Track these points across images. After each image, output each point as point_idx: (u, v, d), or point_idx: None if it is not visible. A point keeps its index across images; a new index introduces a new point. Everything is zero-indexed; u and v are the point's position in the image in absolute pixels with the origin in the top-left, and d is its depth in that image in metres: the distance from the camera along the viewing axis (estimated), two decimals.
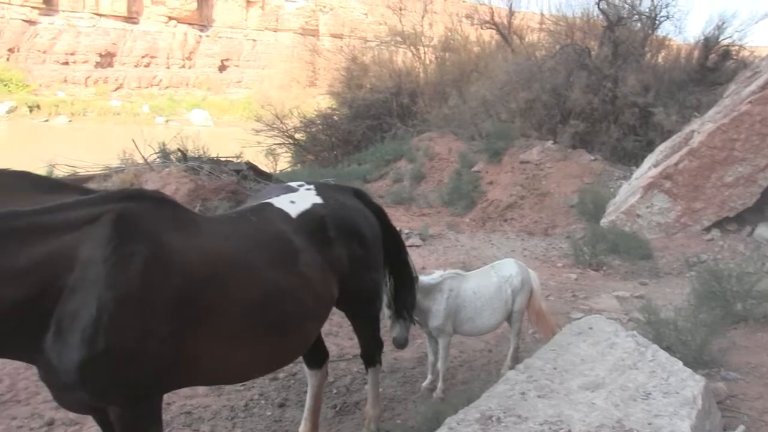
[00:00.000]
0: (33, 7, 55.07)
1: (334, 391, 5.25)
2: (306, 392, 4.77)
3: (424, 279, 4.95)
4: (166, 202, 3.18)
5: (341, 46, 28.20)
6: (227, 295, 3.05)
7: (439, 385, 5.07)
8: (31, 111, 47.45)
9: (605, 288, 8.10)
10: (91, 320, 2.60)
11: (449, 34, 24.74)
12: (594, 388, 3.51)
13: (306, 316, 3.46)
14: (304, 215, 3.62)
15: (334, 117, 22.54)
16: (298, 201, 3.71)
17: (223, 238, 3.22)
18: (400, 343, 4.68)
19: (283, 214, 3.58)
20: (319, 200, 3.77)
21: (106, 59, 57.99)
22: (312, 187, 3.94)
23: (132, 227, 2.83)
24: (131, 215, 2.87)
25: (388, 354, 5.94)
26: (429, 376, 5.24)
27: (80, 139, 32.33)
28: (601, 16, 17.43)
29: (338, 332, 6.38)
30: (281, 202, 3.68)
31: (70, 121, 47.37)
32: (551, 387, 3.61)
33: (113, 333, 2.63)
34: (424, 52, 24.26)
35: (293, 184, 4.02)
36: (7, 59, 52.21)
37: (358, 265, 3.80)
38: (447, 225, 12.60)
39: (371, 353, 4.39)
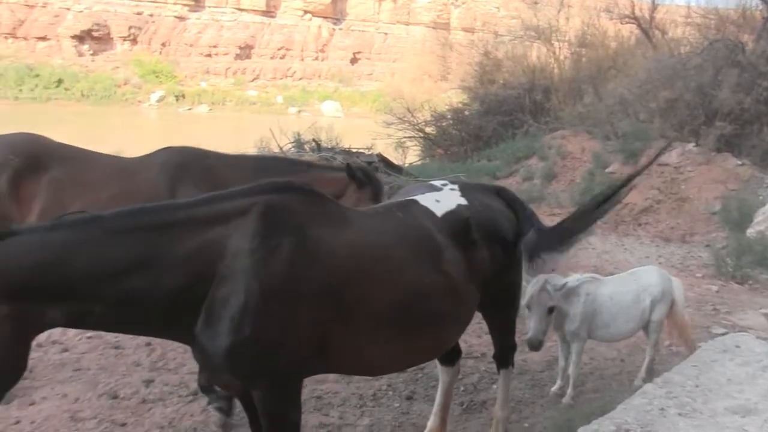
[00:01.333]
0: (184, 5, 58.61)
1: (462, 388, 5.26)
2: (434, 387, 4.83)
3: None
4: (314, 194, 3.24)
5: (473, 41, 28.00)
6: (370, 289, 3.08)
7: (569, 391, 4.96)
8: (177, 100, 50.65)
9: (751, 304, 7.58)
10: (239, 309, 2.74)
11: (586, 28, 23.94)
12: (744, 414, 3.30)
13: (447, 316, 3.42)
14: (449, 215, 3.58)
15: (465, 112, 22.44)
16: (443, 200, 3.69)
17: (369, 233, 3.26)
18: (534, 345, 4.62)
19: (428, 212, 3.56)
20: (464, 201, 3.72)
21: (245, 51, 60.66)
22: (456, 186, 3.90)
23: (279, 220, 2.93)
24: (279, 208, 2.97)
25: (517, 355, 5.85)
26: (558, 382, 5.14)
27: (219, 127, 34.06)
28: (760, 7, 16.20)
29: (466, 329, 6.38)
30: (426, 200, 3.67)
31: (210, 109, 50.13)
32: (693, 406, 3.45)
33: (259, 322, 2.76)
34: (559, 48, 23.62)
35: (436, 182, 4.01)
36: (160, 53, 55.93)
37: (499, 269, 3.74)
38: None
39: (505, 356, 4.34)
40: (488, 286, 3.66)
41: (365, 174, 5.13)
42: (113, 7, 55.01)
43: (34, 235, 2.58)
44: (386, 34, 68.38)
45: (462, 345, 5.96)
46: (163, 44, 56.85)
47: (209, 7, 60.46)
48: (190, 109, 49.55)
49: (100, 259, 2.60)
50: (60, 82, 46.73)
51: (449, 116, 22.74)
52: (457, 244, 3.47)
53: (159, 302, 2.68)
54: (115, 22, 54.57)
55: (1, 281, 2.42)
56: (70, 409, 4.71)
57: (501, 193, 4.16)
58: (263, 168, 5.05)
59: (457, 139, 21.83)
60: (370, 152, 13.99)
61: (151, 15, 56.84)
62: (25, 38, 50.53)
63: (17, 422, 4.52)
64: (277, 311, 2.81)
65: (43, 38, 51.17)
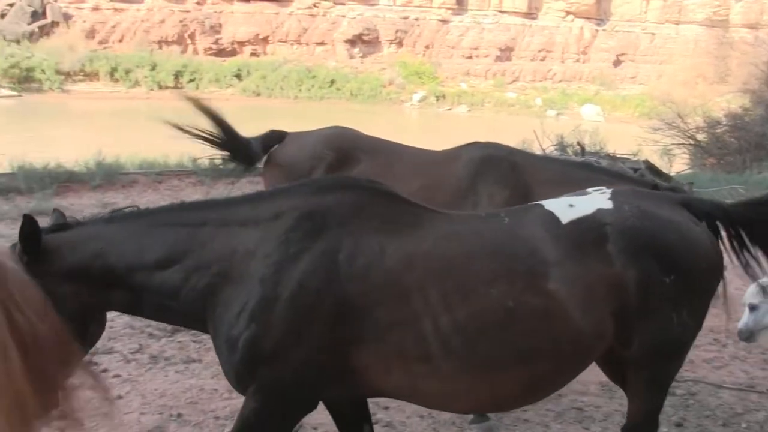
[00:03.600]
0: (447, 8, 60.43)
1: (743, 425, 4.73)
2: (708, 416, 4.48)
3: None
4: (378, 194, 2.94)
5: (758, 37, 25.27)
6: (432, 308, 2.64)
7: None
8: (437, 100, 52.31)
9: None
10: (236, 312, 2.67)
11: None
12: None
13: (542, 350, 2.71)
14: (579, 222, 2.85)
15: (745, 118, 20.35)
16: (579, 205, 2.96)
17: (444, 242, 2.80)
18: (744, 336, 4.11)
19: (550, 218, 2.89)
20: (608, 206, 2.91)
21: (505, 53, 60.81)
22: (608, 191, 3.07)
23: (311, 225, 2.73)
24: (316, 211, 2.77)
25: None
26: None
27: (477, 127, 34.55)
28: None
29: (746, 357, 5.78)
30: (556, 204, 3.00)
31: (469, 110, 51.02)
32: None
33: (256, 329, 2.63)
34: None
35: (591, 189, 3.21)
36: (423, 55, 58.32)
37: (656, 297, 2.78)
38: None
39: (639, 429, 3.15)
40: (633, 319, 2.80)
41: None
42: (383, 13, 58.40)
43: (92, 227, 2.82)
44: (653, 34, 64.22)
45: (742, 376, 5.42)
46: (427, 47, 59.09)
47: (471, 10, 61.54)
48: (449, 110, 50.93)
49: (139, 251, 2.73)
50: (333, 82, 50.80)
51: (725, 122, 20.79)
52: (579, 257, 2.75)
53: (192, 298, 2.74)
54: (383, 26, 57.89)
55: (61, 265, 2.66)
56: None
57: (691, 205, 3.10)
58: (569, 174, 4.68)
59: (733, 148, 19.90)
60: (635, 158, 13.33)
61: (416, 19, 59.36)
62: (306, 44, 55.83)
63: None
64: (282, 320, 2.63)
65: (321, 43, 56.12)
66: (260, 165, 5.43)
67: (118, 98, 43.23)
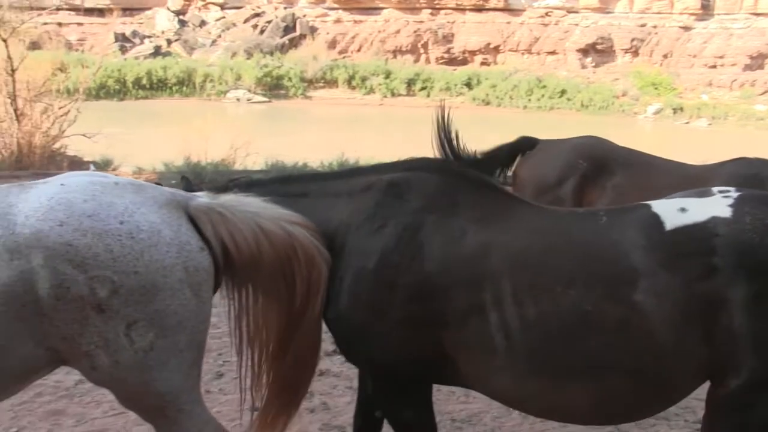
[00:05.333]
0: (690, 14, 56.46)
1: None
2: None
3: None
4: (467, 179, 2.90)
5: None
6: (494, 301, 2.55)
7: None
8: (674, 113, 48.84)
9: None
10: (338, 283, 2.72)
11: None
12: None
13: (618, 365, 2.47)
14: (684, 230, 2.49)
15: None
16: (693, 209, 2.57)
17: (528, 233, 2.66)
18: None
19: (653, 221, 2.56)
20: (726, 214, 2.50)
21: (756, 61, 55.18)
22: (734, 194, 2.61)
23: (396, 200, 2.76)
24: (403, 185, 2.80)
25: None
26: None
27: (719, 143, 31.90)
28: None
29: None
30: (666, 206, 2.64)
31: (709, 124, 47.10)
32: None
33: (351, 299, 2.69)
34: None
35: (718, 188, 2.77)
36: (660, 64, 55.03)
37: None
38: None
39: None
40: (746, 350, 2.40)
41: None
42: (618, 21, 56.00)
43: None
44: None
45: None
46: (665, 56, 55.53)
47: (719, 14, 56.82)
48: (687, 123, 47.39)
49: None
50: (563, 92, 49.54)
51: None
52: (677, 270, 2.43)
53: None
54: (618, 35, 55.46)
55: None
56: None
57: None
58: None
59: None
60: None
61: (654, 26, 56.13)
62: (537, 53, 55.25)
63: None
64: (363, 294, 2.68)
65: (552, 53, 55.16)
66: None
67: (354, 104, 46.10)
